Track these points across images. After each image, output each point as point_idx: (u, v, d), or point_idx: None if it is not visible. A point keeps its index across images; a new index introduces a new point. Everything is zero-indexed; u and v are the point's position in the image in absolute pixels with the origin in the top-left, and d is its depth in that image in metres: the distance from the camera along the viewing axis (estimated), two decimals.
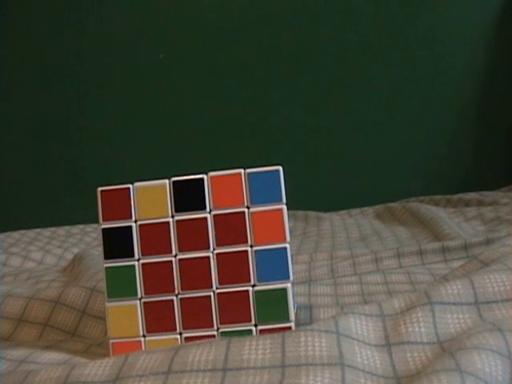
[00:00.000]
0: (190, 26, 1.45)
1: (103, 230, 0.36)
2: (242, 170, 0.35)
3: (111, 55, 1.47)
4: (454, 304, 0.32)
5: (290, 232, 0.49)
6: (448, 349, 0.28)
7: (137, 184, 0.35)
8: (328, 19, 1.44)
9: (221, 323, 0.36)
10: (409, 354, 0.29)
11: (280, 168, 0.36)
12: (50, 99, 1.47)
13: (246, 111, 1.46)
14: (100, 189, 0.35)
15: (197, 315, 0.36)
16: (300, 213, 1.18)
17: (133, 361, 0.29)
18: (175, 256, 0.36)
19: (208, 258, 0.36)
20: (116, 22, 1.46)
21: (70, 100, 1.47)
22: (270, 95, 1.46)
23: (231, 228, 0.35)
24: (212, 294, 0.36)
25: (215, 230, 0.36)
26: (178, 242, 0.36)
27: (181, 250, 0.36)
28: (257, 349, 0.29)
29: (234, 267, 0.36)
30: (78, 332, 0.46)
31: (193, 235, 0.35)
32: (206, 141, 1.45)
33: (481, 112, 1.44)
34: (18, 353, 0.37)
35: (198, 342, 0.31)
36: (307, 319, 0.44)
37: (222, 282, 0.36)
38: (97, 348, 0.42)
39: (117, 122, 1.47)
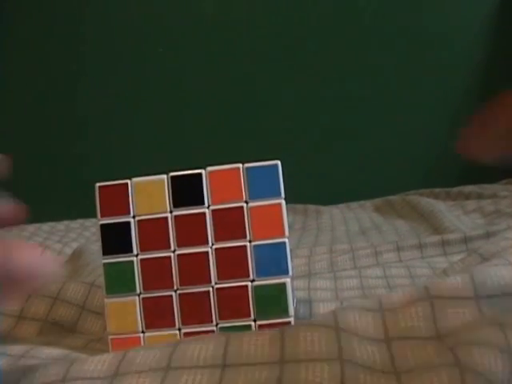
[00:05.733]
0: (189, 20, 1.45)
1: (101, 225, 0.36)
2: (240, 165, 0.35)
3: (110, 51, 1.46)
4: (454, 298, 0.32)
5: (289, 226, 0.49)
6: (447, 343, 0.28)
7: (135, 179, 0.35)
8: (328, 15, 1.44)
9: (220, 319, 0.36)
10: (408, 349, 0.29)
11: (278, 162, 0.36)
12: (48, 93, 1.47)
13: (245, 104, 1.46)
14: (98, 184, 0.35)
15: (196, 311, 0.36)
16: (299, 206, 1.18)
17: (132, 357, 0.29)
18: (174, 251, 0.36)
19: (207, 253, 0.36)
20: (115, 18, 1.46)
21: (68, 94, 1.47)
22: (269, 88, 1.45)
23: (230, 223, 0.35)
24: (211, 289, 0.36)
25: (214, 225, 0.35)
26: (177, 237, 0.36)
27: (179, 245, 0.36)
28: (256, 344, 0.29)
29: (232, 262, 0.35)
30: (78, 327, 0.46)
31: (191, 230, 0.35)
32: (204, 134, 1.45)
33: (479, 105, 1.43)
34: (17, 348, 0.37)
35: (197, 337, 0.31)
36: (307, 313, 0.44)
37: (221, 277, 0.36)
38: (96, 343, 0.42)
39: (116, 116, 1.47)
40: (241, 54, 1.45)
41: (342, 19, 1.44)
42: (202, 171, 0.35)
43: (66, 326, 0.46)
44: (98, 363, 0.29)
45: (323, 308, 0.44)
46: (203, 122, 1.45)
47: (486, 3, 1.42)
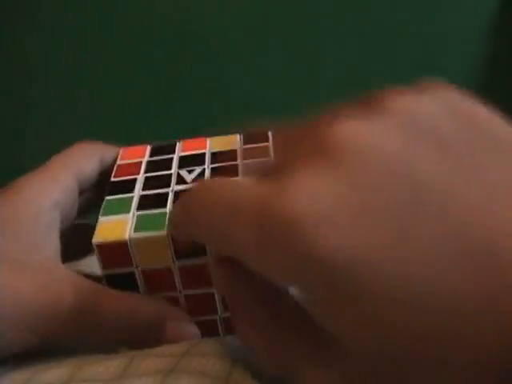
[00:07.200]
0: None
1: (105, 276, 0.34)
2: None
3: (110, 46, 1.45)
4: None
5: None
6: None
7: (133, 236, 0.34)
8: (326, 6, 1.44)
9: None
10: None
11: None
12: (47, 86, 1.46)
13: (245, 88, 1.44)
14: (95, 242, 0.33)
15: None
16: None
17: (137, 363, 0.30)
18: (180, 292, 0.35)
19: (213, 293, 0.36)
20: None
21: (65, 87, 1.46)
22: (269, 72, 1.45)
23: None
24: (218, 318, 0.36)
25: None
26: (182, 282, 0.35)
27: (185, 288, 0.35)
28: None
29: None
30: None
31: (195, 276, 0.35)
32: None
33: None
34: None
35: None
36: None
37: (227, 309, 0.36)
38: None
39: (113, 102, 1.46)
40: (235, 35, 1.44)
41: (340, 19, 1.44)
42: None
43: None
44: (105, 367, 0.30)
45: None
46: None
47: (487, 2, 1.42)
